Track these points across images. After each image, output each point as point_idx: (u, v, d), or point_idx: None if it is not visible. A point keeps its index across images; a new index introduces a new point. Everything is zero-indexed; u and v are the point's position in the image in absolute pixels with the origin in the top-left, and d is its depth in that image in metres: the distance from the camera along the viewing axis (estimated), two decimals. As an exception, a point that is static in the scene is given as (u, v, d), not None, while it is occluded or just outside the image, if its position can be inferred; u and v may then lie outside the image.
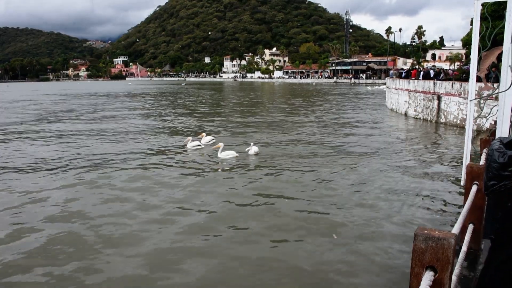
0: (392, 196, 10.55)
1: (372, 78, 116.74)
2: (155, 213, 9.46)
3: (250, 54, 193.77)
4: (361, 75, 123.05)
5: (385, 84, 49.39)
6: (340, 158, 15.23)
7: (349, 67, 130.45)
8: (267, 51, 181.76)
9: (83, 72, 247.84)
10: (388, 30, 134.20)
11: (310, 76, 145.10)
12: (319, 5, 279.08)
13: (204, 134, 18.37)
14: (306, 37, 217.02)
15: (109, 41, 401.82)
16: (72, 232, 8.36)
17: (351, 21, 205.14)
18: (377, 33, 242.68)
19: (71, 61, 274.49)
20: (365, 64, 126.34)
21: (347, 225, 8.69)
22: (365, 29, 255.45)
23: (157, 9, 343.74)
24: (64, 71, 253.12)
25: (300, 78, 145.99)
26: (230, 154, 15.41)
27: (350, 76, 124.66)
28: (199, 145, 17.37)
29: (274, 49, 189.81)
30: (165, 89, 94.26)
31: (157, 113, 34.63)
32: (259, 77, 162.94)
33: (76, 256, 7.28)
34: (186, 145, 17.55)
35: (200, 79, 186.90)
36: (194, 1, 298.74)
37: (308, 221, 8.94)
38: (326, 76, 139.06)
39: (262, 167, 13.97)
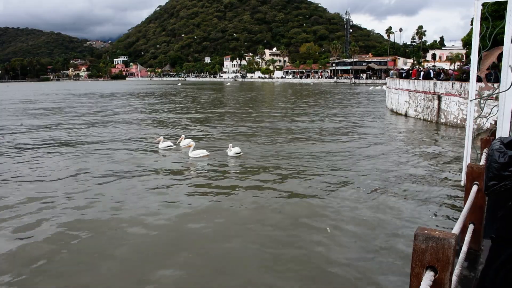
0: (391, 197, 10.54)
1: (372, 78, 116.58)
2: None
3: (250, 54, 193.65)
4: (361, 75, 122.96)
5: (385, 84, 49.40)
6: (336, 159, 15.16)
7: (349, 67, 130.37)
8: (267, 51, 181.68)
9: (83, 72, 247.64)
10: (389, 30, 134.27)
11: (311, 76, 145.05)
12: (319, 5, 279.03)
13: (183, 136, 17.85)
14: (306, 37, 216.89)
15: (110, 41, 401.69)
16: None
17: (351, 21, 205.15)
18: (378, 33, 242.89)
19: (71, 61, 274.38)
20: (365, 64, 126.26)
21: (343, 225, 8.67)
22: (365, 29, 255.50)
23: (158, 9, 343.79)
24: (64, 71, 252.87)
25: (301, 78, 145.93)
26: (201, 153, 15.29)
27: (350, 76, 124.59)
28: (170, 146, 17.21)
29: (275, 49, 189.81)
30: (165, 88, 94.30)
31: (147, 112, 34.68)
32: (259, 77, 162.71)
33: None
34: (158, 145, 17.38)
35: (201, 79, 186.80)
36: (194, 1, 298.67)
37: (301, 218, 8.95)
38: (326, 76, 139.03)
39: (237, 168, 13.95)
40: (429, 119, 26.47)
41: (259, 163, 14.52)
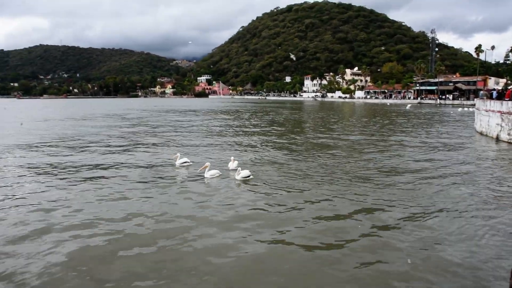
0: (480, 229, 9.95)
1: (459, 99, 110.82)
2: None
3: (331, 73, 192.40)
4: (447, 95, 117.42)
5: (473, 105, 47.00)
6: (414, 186, 14.53)
7: (434, 87, 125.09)
8: (348, 71, 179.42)
9: (169, 90, 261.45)
10: (478, 48, 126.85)
11: (393, 96, 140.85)
12: (403, 23, 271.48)
13: (232, 158, 16.95)
14: (389, 56, 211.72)
15: (194, 60, 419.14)
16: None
17: (437, 40, 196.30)
18: (466, 52, 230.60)
19: (158, 79, 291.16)
20: (451, 84, 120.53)
21: (426, 258, 8.33)
22: (452, 47, 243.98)
23: (240, 29, 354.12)
24: (151, 88, 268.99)
25: (382, 98, 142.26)
26: (215, 173, 14.91)
27: (435, 97, 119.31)
28: (186, 162, 17.30)
29: (356, 68, 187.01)
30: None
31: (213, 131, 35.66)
32: (339, 97, 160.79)
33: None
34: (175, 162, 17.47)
35: (281, 98, 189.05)
36: (276, 21, 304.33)
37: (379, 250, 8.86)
38: (409, 96, 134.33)
39: (237, 191, 13.33)
40: (523, 144, 24.80)
41: (267, 189, 13.39)
